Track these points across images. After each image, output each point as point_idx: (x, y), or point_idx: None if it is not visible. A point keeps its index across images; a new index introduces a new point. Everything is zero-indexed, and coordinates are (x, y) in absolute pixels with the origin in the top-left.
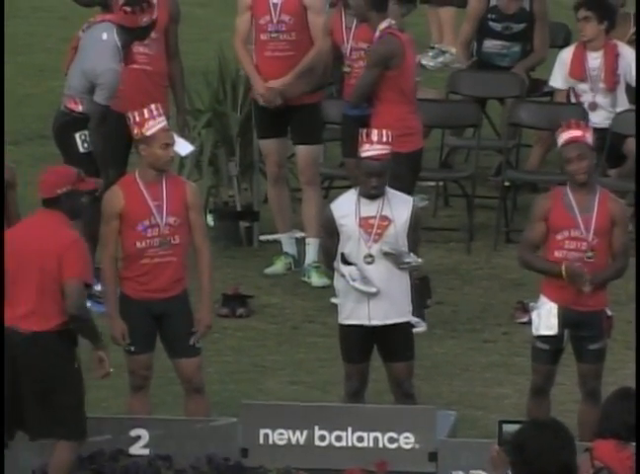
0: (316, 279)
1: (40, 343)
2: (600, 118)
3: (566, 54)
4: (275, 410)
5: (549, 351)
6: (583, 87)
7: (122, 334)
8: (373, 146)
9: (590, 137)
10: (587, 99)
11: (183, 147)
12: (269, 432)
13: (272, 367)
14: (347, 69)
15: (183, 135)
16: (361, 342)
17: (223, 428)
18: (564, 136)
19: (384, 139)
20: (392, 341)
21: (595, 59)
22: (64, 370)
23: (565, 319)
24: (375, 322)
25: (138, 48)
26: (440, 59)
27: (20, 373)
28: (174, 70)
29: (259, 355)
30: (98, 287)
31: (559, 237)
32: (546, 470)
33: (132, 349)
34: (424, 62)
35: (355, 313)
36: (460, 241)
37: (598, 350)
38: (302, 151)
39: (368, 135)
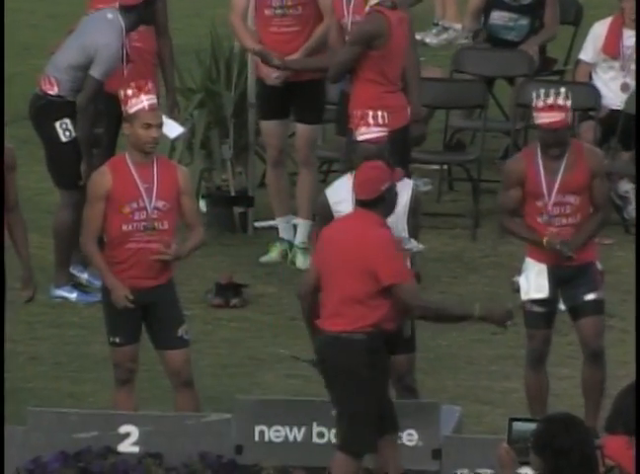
0: (301, 261)
1: (345, 344)
2: (617, 100)
3: (601, 28)
4: (271, 405)
5: (544, 313)
6: (613, 64)
7: (126, 296)
8: (370, 129)
9: (569, 116)
10: (614, 77)
11: (172, 129)
12: (264, 428)
13: (268, 360)
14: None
15: (172, 116)
16: None
17: (216, 424)
18: (543, 117)
19: (380, 121)
20: (393, 332)
21: (630, 37)
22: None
23: (555, 278)
24: None
25: None
26: (444, 36)
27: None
28: (163, 48)
29: (254, 347)
30: (85, 275)
31: (539, 204)
32: (573, 465)
33: (117, 340)
34: (427, 41)
35: None
36: (465, 227)
37: (594, 301)
38: (301, 129)
39: (364, 118)
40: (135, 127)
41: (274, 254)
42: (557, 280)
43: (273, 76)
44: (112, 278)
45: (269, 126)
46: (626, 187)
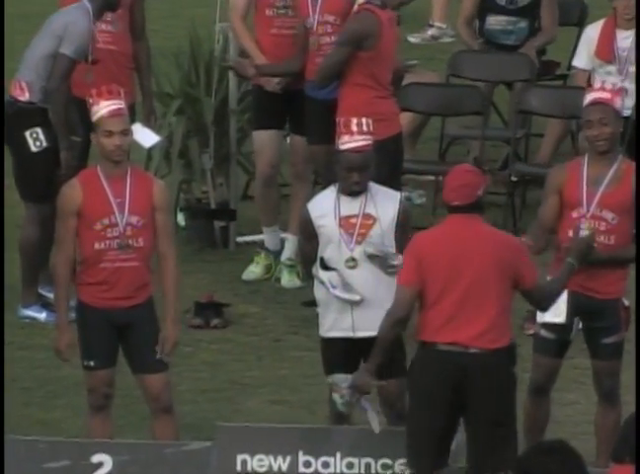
0: (286, 279)
1: (504, 357)
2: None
3: (593, 31)
4: (254, 432)
5: (555, 341)
6: (609, 69)
7: (68, 345)
8: (353, 137)
9: (619, 103)
10: (614, 83)
11: (147, 138)
12: (247, 457)
13: (251, 385)
14: (313, 46)
15: (149, 124)
16: (346, 356)
17: (196, 452)
18: (589, 97)
19: (365, 129)
20: None
21: (625, 39)
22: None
23: (576, 306)
24: (361, 334)
25: (101, 26)
26: (429, 33)
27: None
28: (140, 51)
29: (236, 370)
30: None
31: (574, 215)
32: None
33: (92, 363)
34: (411, 40)
35: (337, 324)
36: None
37: (613, 344)
38: (298, 142)
39: (347, 125)
40: (99, 136)
41: (257, 268)
42: (577, 309)
43: (274, 81)
44: (62, 322)
45: (263, 138)
46: None
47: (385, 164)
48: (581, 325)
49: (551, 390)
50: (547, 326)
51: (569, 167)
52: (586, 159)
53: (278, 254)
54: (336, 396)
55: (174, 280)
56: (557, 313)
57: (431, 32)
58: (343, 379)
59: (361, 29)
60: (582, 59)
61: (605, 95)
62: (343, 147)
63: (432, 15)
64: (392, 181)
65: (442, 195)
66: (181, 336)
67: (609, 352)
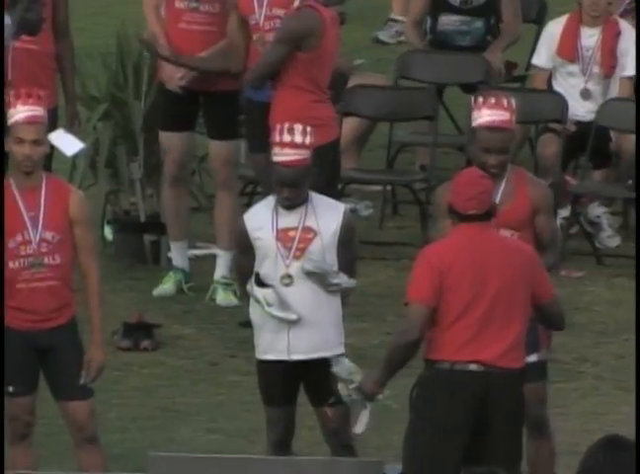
0: (221, 298)
1: (521, 381)
2: (583, 110)
3: (555, 27)
4: (188, 463)
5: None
6: (571, 69)
7: None
8: (284, 150)
9: (514, 119)
10: (575, 84)
11: (70, 145)
12: None
13: (185, 412)
14: (259, 44)
15: (72, 130)
16: (283, 381)
17: None
18: (487, 116)
19: (299, 139)
20: (320, 380)
21: (590, 37)
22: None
23: None
24: (297, 356)
25: None
26: (394, 29)
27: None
28: (63, 50)
29: (169, 396)
30: None
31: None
32: None
33: (11, 389)
34: (382, 38)
35: (272, 346)
36: (413, 258)
37: (535, 364)
38: (216, 147)
39: (281, 133)
40: (10, 143)
41: (168, 285)
42: None
43: (177, 77)
44: None
45: (170, 139)
46: (597, 211)
47: (323, 172)
48: None
49: None
50: None
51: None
52: None
53: (185, 273)
54: (342, 387)
55: (97, 299)
56: None
57: (395, 27)
58: (348, 368)
59: (301, 27)
60: (542, 58)
61: (505, 116)
62: (275, 159)
63: (391, 9)
64: (330, 190)
65: (454, 203)
66: (108, 359)
67: (533, 372)
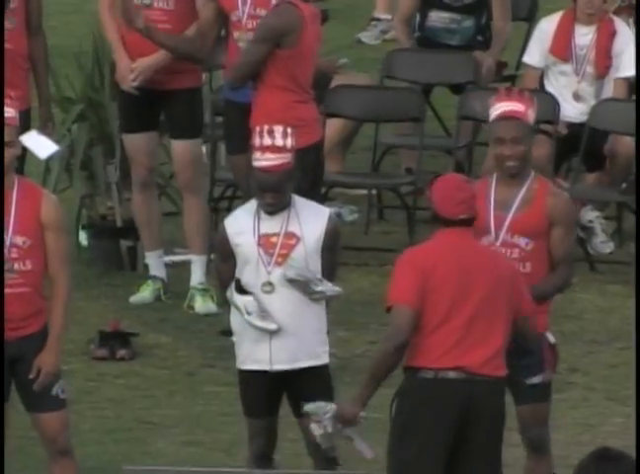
0: (199, 305)
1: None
2: (575, 112)
3: (548, 25)
4: None
5: None
6: (564, 69)
7: None
8: (265, 155)
9: (532, 115)
10: (567, 84)
11: (43, 147)
12: None
13: (161, 424)
14: (241, 42)
15: (46, 132)
16: (264, 392)
17: None
18: (500, 107)
19: (281, 143)
20: (303, 390)
21: (584, 36)
22: None
23: None
24: (279, 367)
25: None
26: (379, 28)
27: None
28: (36, 49)
29: (145, 408)
30: None
31: (484, 243)
32: None
33: None
34: (364, 40)
35: (254, 355)
36: None
37: (538, 385)
38: (178, 147)
39: (261, 136)
40: None
41: (145, 293)
42: None
43: (129, 77)
44: None
45: (133, 141)
46: (590, 215)
47: (305, 176)
48: None
49: None
50: None
51: (476, 189)
52: (494, 180)
53: (164, 282)
54: (314, 426)
55: (62, 307)
56: None
57: (380, 27)
58: (322, 408)
59: (281, 24)
60: (533, 56)
61: (518, 107)
62: (255, 164)
63: (375, 7)
64: (312, 194)
65: (442, 209)
66: (83, 369)
67: (534, 394)
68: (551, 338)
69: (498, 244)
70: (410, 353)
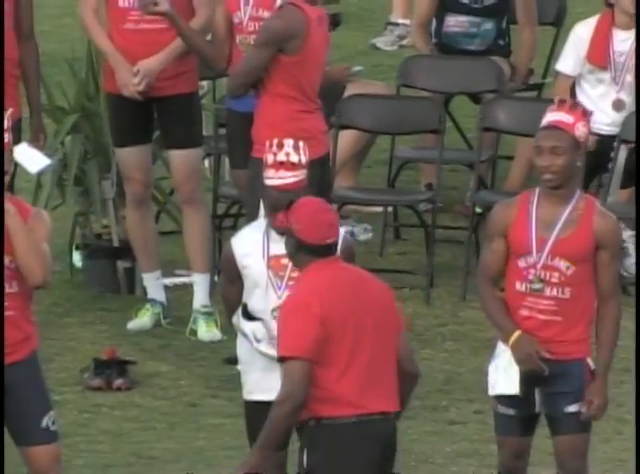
0: (203, 331)
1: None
2: (610, 123)
3: (585, 30)
4: None
5: (516, 417)
6: (602, 76)
7: None
8: (279, 173)
9: (583, 129)
10: (605, 93)
11: (34, 161)
12: None
13: (161, 458)
14: (242, 46)
15: (37, 144)
16: None
17: None
18: (547, 118)
19: (296, 159)
20: None
21: (623, 41)
22: None
23: (532, 372)
24: None
25: None
26: (396, 33)
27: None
28: (27, 56)
29: (144, 441)
30: None
31: (522, 264)
32: None
33: None
34: (379, 45)
35: (262, 385)
36: (417, 287)
37: (577, 414)
38: (177, 157)
39: (274, 152)
40: None
41: (144, 318)
42: (534, 376)
43: (133, 82)
44: None
45: (129, 156)
46: (623, 235)
47: (311, 190)
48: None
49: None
50: (503, 400)
51: (517, 204)
52: (536, 195)
53: (164, 306)
54: None
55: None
56: (510, 383)
57: (397, 32)
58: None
59: (284, 27)
60: (568, 63)
61: (566, 118)
62: (268, 183)
63: (392, 11)
64: None
65: (308, 235)
66: (77, 400)
67: (573, 423)
68: (592, 364)
69: (539, 267)
70: (316, 404)
